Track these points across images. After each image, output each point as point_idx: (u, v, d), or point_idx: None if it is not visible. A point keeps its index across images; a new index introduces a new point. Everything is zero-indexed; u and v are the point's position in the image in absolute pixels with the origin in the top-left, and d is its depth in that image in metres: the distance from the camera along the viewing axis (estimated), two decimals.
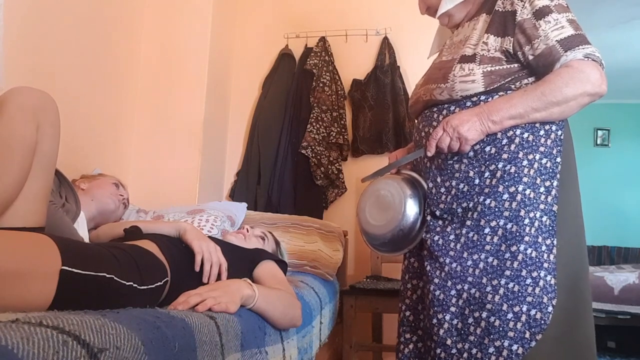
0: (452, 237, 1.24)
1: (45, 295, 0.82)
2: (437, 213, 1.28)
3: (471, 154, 1.24)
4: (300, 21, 3.08)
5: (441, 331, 1.20)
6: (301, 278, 1.95)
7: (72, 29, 2.11)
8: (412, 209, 1.31)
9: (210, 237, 1.38)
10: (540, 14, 1.20)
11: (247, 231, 1.69)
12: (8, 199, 1.05)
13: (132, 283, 0.99)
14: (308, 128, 2.80)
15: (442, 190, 1.28)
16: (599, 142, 5.71)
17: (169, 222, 1.47)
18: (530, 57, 1.21)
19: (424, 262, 1.30)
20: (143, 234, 1.25)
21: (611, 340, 3.30)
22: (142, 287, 1.02)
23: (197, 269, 1.20)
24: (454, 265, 1.22)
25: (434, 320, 1.22)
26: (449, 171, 1.28)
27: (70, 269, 0.85)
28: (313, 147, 2.78)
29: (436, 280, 1.24)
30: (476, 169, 1.23)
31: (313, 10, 3.08)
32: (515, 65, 1.24)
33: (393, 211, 1.32)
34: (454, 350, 1.18)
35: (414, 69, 2.90)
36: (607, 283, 3.02)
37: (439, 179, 1.30)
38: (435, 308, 1.22)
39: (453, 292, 1.20)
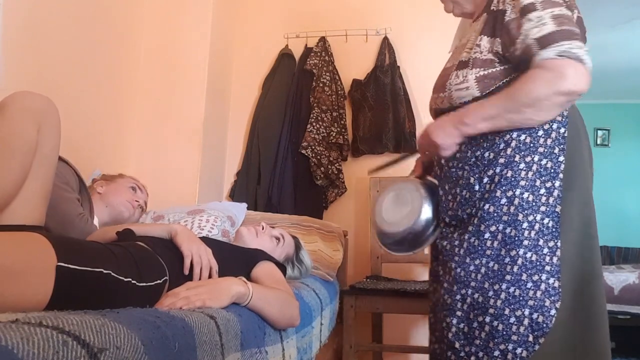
0: (457, 242, 1.26)
1: (43, 292, 0.82)
2: (447, 220, 1.31)
3: (472, 160, 1.25)
4: (300, 21, 3.08)
5: (450, 334, 1.22)
6: (301, 279, 1.95)
7: (72, 28, 2.11)
8: (427, 211, 1.34)
9: (207, 237, 1.37)
10: (524, 11, 1.15)
11: (263, 228, 1.69)
12: (8, 196, 1.08)
13: (130, 279, 0.98)
14: (308, 128, 2.80)
15: (449, 197, 1.30)
16: (599, 142, 5.70)
17: (162, 224, 1.47)
18: (515, 58, 1.18)
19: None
20: (136, 237, 1.25)
21: (611, 340, 3.29)
22: (141, 284, 1.01)
23: (186, 272, 1.20)
24: (458, 270, 1.23)
25: (444, 324, 1.25)
26: (453, 179, 1.30)
27: (66, 265, 0.85)
28: (313, 147, 2.77)
29: (445, 285, 1.26)
30: (476, 175, 1.24)
31: (313, 10, 3.08)
32: (508, 66, 1.21)
33: (409, 211, 1.35)
34: (462, 354, 1.20)
35: (414, 69, 2.90)
36: (607, 283, 3.02)
37: (446, 187, 1.32)
38: (444, 312, 1.25)
39: (458, 296, 1.22)
